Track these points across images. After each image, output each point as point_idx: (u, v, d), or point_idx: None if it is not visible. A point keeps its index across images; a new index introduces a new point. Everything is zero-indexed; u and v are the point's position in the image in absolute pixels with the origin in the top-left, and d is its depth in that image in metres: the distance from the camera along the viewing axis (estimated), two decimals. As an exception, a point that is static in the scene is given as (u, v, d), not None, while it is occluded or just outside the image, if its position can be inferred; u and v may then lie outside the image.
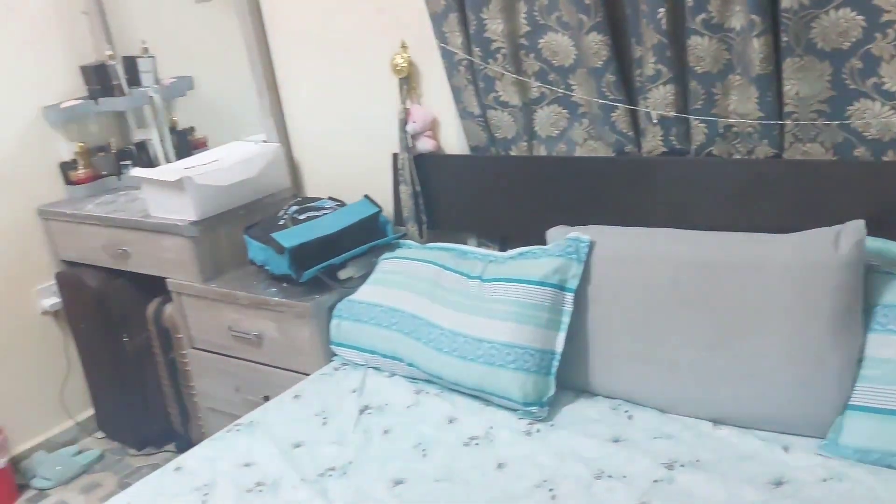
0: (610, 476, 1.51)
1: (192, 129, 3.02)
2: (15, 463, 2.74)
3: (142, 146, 2.93)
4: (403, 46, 2.21)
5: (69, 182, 2.87)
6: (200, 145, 3.02)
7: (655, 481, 1.48)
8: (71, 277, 2.80)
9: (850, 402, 1.48)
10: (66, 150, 2.88)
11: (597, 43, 1.82)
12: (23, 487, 2.74)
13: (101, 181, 2.89)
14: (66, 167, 2.87)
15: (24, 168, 2.79)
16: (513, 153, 2.10)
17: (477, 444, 1.71)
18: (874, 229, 1.56)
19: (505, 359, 1.77)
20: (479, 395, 1.84)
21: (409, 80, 2.22)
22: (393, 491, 1.59)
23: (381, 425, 1.84)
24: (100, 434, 3.00)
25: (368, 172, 2.47)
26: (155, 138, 2.90)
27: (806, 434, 1.54)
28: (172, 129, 2.96)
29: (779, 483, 1.42)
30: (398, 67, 2.20)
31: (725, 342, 1.61)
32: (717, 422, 1.62)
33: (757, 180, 1.77)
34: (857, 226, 1.54)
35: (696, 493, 1.43)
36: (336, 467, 1.70)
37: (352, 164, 2.53)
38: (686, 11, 1.71)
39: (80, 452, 2.87)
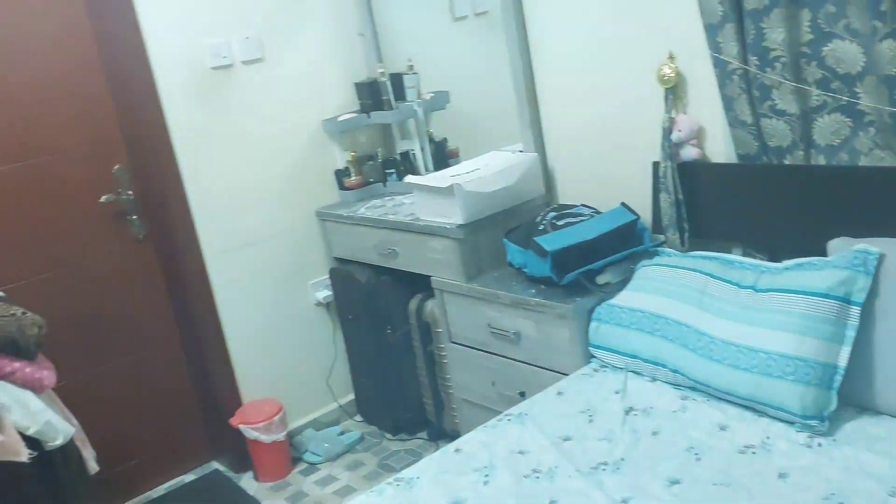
0: (908, 494, 1.48)
1: (445, 140, 3.26)
2: (289, 438, 3.09)
3: (405, 156, 3.20)
4: (671, 57, 2.26)
5: (342, 188, 3.20)
6: (453, 155, 3.24)
7: (963, 505, 1.43)
8: (342, 273, 3.12)
9: None
10: (340, 158, 3.22)
11: (892, 50, 1.77)
12: (296, 460, 3.09)
13: (370, 187, 3.20)
14: (340, 174, 3.20)
15: (306, 175, 3.16)
16: (787, 162, 2.09)
17: (753, 452, 1.72)
18: None
19: (783, 370, 1.77)
20: (751, 406, 1.85)
21: (675, 90, 2.27)
22: (670, 490, 1.65)
23: (649, 427, 1.91)
24: (358, 417, 3.31)
25: (623, 181, 2.54)
26: (417, 149, 3.16)
27: None
28: (430, 141, 3.20)
29: None
30: (665, 78, 2.26)
31: None
32: None
33: None
34: None
35: None
36: (608, 462, 1.79)
37: (606, 172, 2.62)
38: None
39: (343, 433, 3.18)
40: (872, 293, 1.77)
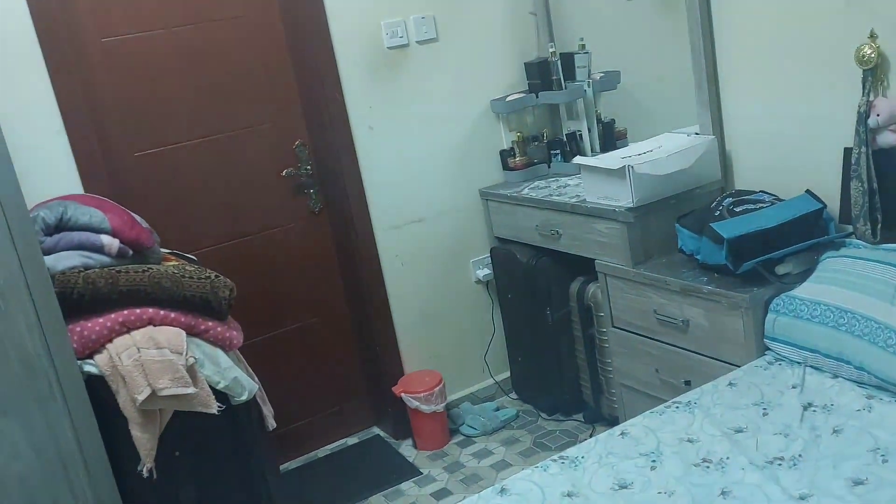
0: None
1: (613, 122, 3.24)
2: (447, 409, 3.20)
3: (571, 137, 3.22)
4: (872, 35, 2.15)
5: (506, 168, 3.27)
6: (621, 137, 3.22)
7: None
8: (503, 252, 3.20)
9: None
10: (506, 138, 3.28)
11: None
12: (452, 432, 3.21)
13: (534, 168, 3.24)
14: (505, 154, 3.27)
15: (472, 154, 3.25)
16: None
17: (950, 459, 1.64)
18: None
19: None
20: (949, 410, 1.76)
21: (875, 71, 2.16)
22: (853, 490, 1.61)
23: (830, 424, 1.85)
24: (514, 395, 3.39)
25: (808, 167, 2.45)
26: (584, 130, 3.17)
27: None
28: (598, 121, 3.19)
29: None
30: (865, 58, 2.15)
31: None
32: None
33: None
34: None
35: None
36: (784, 458, 1.76)
37: (789, 157, 2.52)
38: None
39: (498, 409, 3.27)
40: None
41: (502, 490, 1.83)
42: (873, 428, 1.80)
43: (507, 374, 3.42)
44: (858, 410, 1.89)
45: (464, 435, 3.18)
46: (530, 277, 3.07)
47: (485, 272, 3.31)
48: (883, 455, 1.70)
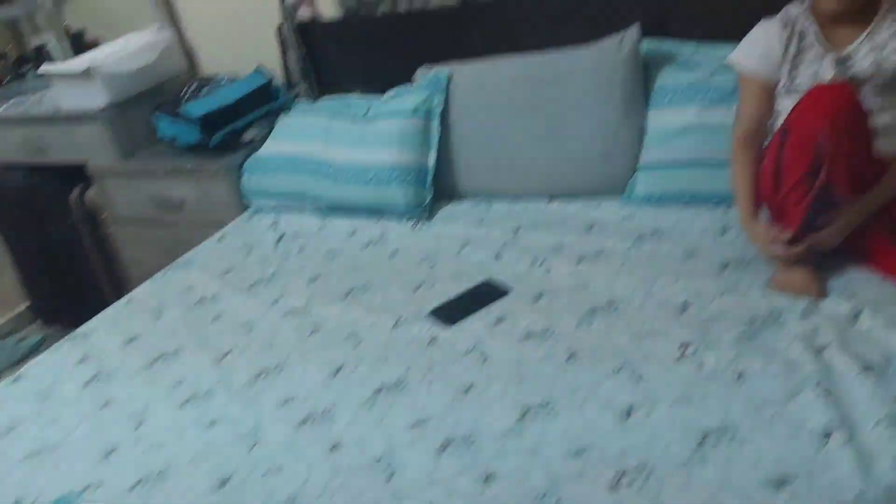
0: (470, 244, 2.12)
1: (83, 32, 3.37)
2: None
3: (39, 51, 3.28)
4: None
5: (-25, 91, 3.22)
6: (93, 45, 3.37)
7: (505, 243, 2.09)
8: (-9, 180, 3.19)
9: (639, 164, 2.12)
10: (-36, 60, 3.22)
11: None
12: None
13: (5, 88, 3.24)
14: (-31, 77, 3.21)
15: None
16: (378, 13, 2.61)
17: (374, 244, 2.28)
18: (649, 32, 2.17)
19: (390, 177, 2.33)
20: (374, 211, 2.40)
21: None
22: (309, 287, 2.14)
23: (297, 245, 2.39)
24: (39, 322, 3.45)
25: (256, 47, 2.91)
26: (51, 42, 3.25)
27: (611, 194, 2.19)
28: (66, 33, 3.30)
29: (590, 227, 2.06)
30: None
31: (549, 134, 2.21)
32: (551, 197, 2.25)
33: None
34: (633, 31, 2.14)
35: (537, 243, 2.04)
36: (263, 278, 2.24)
37: (240, 42, 2.97)
38: None
39: (22, 340, 3.32)
40: (447, 106, 2.37)
41: (17, 378, 2.01)
42: (328, 239, 2.38)
43: (28, 303, 3.46)
44: (318, 230, 2.45)
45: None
46: (25, 199, 3.13)
47: (-27, 206, 3.26)
48: (333, 256, 2.27)
